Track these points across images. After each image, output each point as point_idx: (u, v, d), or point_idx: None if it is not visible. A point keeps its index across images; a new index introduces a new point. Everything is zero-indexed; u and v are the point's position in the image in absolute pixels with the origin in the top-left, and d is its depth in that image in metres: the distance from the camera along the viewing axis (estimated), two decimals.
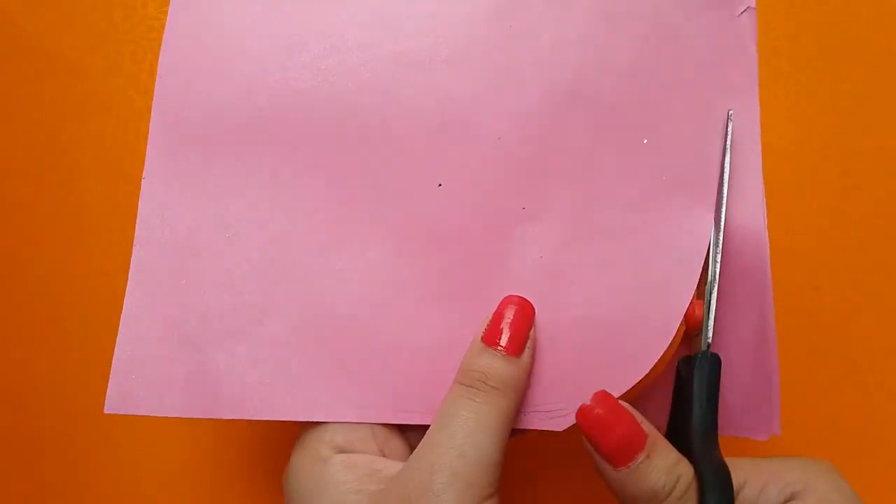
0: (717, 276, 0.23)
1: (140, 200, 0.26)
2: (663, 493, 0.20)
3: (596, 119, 0.25)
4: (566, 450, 0.35)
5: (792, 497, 0.22)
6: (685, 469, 0.21)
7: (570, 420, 0.23)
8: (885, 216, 0.35)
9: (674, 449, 0.21)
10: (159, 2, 0.39)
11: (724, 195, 0.24)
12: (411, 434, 0.25)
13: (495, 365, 0.22)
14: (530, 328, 0.23)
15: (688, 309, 0.24)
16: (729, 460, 0.22)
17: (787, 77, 0.36)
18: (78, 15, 0.39)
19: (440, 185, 0.25)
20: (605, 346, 0.24)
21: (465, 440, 0.21)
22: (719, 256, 0.24)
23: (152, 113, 0.27)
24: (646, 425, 0.21)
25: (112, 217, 0.38)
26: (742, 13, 0.26)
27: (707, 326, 0.23)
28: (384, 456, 0.24)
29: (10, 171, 0.39)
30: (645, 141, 0.25)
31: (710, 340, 0.23)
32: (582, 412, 0.22)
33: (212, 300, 0.25)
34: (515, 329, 0.23)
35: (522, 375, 0.23)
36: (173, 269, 0.26)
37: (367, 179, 0.26)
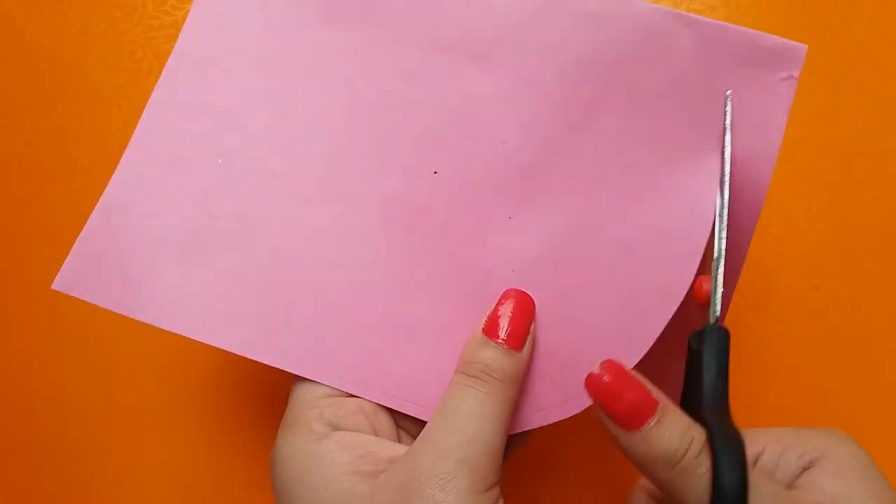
0: (724, 252, 0.23)
1: (148, 103, 0.27)
2: (678, 455, 0.20)
3: (605, 144, 0.25)
4: (567, 451, 0.35)
5: (811, 464, 0.22)
6: (697, 432, 0.21)
7: (578, 405, 0.23)
8: (886, 216, 0.35)
9: (685, 414, 0.21)
10: (159, 2, 0.39)
11: (727, 173, 0.24)
12: (397, 414, 0.25)
13: (497, 357, 0.22)
14: (530, 323, 0.24)
15: (695, 283, 0.24)
16: (748, 430, 0.22)
17: None
18: (78, 15, 0.39)
19: (436, 172, 0.25)
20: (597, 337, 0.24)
21: (471, 427, 0.21)
22: (725, 232, 0.23)
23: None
24: (655, 392, 0.21)
25: None
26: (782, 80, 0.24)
27: (715, 301, 0.23)
28: (375, 433, 0.24)
29: (10, 170, 0.39)
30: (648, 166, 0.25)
31: (718, 314, 0.23)
32: (590, 380, 0.22)
33: (187, 215, 0.26)
34: (516, 323, 0.23)
35: (522, 368, 0.23)
36: (159, 175, 0.26)
37: (369, 147, 0.26)
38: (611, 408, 0.21)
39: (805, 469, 0.22)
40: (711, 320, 0.23)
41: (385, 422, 0.24)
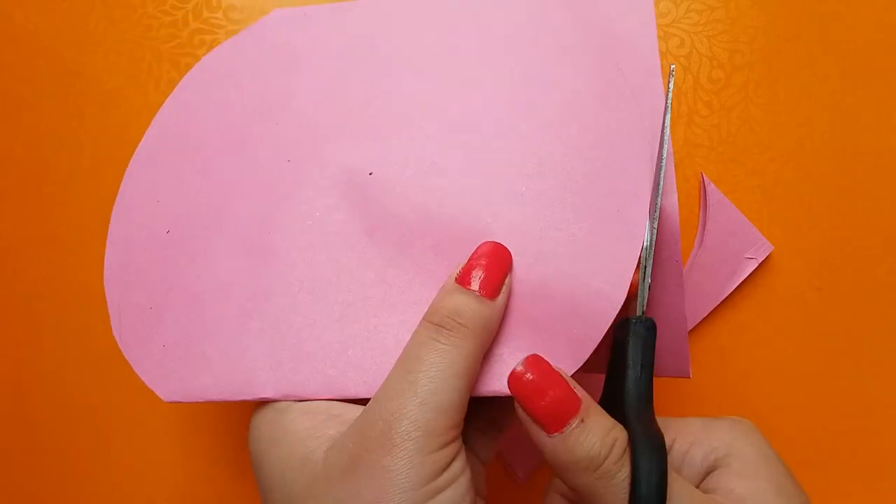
0: (653, 244, 0.23)
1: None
2: (599, 458, 0.19)
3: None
4: None
5: (716, 463, 0.22)
6: (620, 433, 0.20)
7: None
8: (886, 216, 0.34)
9: (607, 414, 0.21)
10: (158, 1, 0.39)
11: (663, 166, 0.24)
12: None
13: (468, 303, 0.21)
14: (507, 273, 0.22)
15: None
16: (659, 419, 0.22)
17: (788, 77, 0.36)
18: (78, 15, 0.39)
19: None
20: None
21: (427, 387, 0.20)
22: (655, 223, 0.23)
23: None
24: (578, 390, 0.21)
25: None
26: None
27: (643, 292, 0.23)
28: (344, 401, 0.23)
29: (10, 170, 0.39)
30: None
31: (645, 306, 0.23)
32: (514, 377, 0.21)
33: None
34: (490, 271, 0.22)
35: (495, 317, 0.22)
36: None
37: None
38: (533, 407, 0.20)
39: (711, 468, 0.22)
40: (638, 311, 0.23)
41: None
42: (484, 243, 0.23)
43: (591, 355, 0.22)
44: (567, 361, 0.22)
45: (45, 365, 0.38)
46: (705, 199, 0.35)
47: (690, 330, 0.34)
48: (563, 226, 0.23)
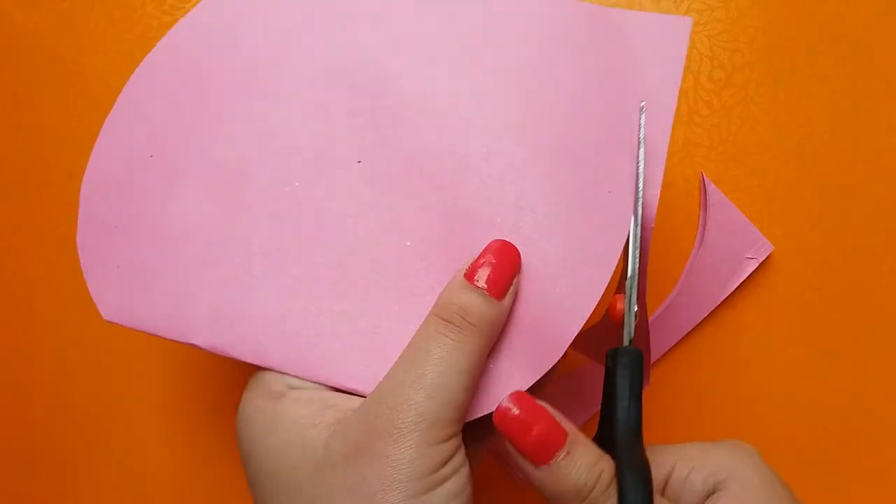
0: (637, 271, 0.23)
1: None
2: (586, 489, 0.20)
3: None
4: None
5: (715, 487, 0.22)
6: (606, 464, 0.21)
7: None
8: (886, 216, 0.34)
9: (594, 445, 0.21)
10: (158, 1, 0.39)
11: (640, 188, 0.24)
12: None
13: (476, 302, 0.21)
14: (515, 273, 0.23)
15: (610, 303, 0.24)
16: (657, 447, 0.22)
17: (788, 77, 0.36)
18: (77, 15, 0.39)
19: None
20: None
21: (434, 380, 0.20)
22: (638, 252, 0.23)
23: None
24: (564, 422, 0.21)
25: None
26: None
27: (629, 321, 0.23)
28: (337, 391, 0.23)
29: (10, 170, 0.39)
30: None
31: (632, 335, 0.23)
32: (499, 413, 0.21)
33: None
34: (499, 271, 0.22)
35: (501, 318, 0.22)
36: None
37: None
38: (521, 441, 0.21)
39: (711, 492, 0.22)
40: (625, 342, 0.23)
41: None
42: (494, 241, 0.23)
43: (591, 342, 0.22)
44: (531, 371, 0.22)
45: (44, 365, 0.38)
46: (705, 199, 0.35)
47: (690, 330, 0.34)
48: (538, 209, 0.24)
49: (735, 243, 0.34)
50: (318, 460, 0.20)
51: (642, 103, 0.24)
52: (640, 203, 0.24)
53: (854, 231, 0.35)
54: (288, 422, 0.21)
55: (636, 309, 0.23)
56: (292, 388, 0.23)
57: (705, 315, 0.34)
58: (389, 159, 0.25)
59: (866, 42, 0.36)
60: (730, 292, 0.34)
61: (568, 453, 0.20)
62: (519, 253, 0.23)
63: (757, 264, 0.34)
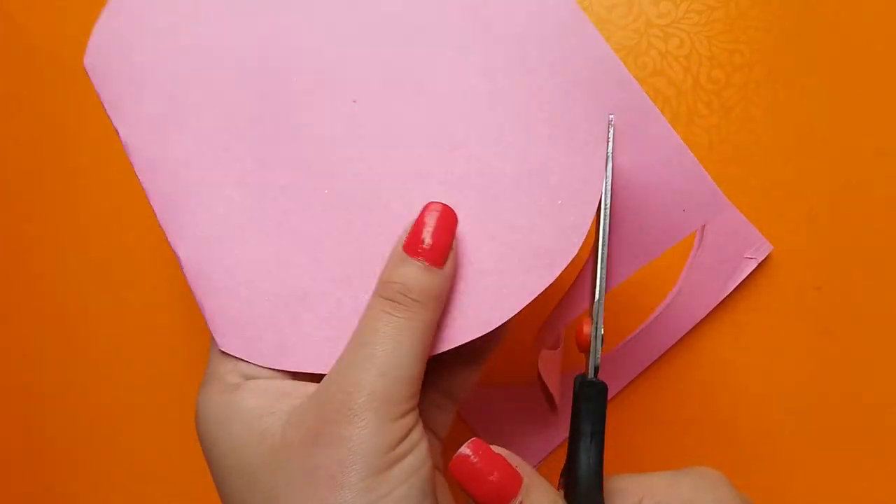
0: (604, 294, 0.23)
1: None
2: None
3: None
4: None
5: None
6: None
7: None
8: (886, 216, 0.34)
9: (551, 489, 0.21)
10: None
11: (608, 205, 0.23)
12: None
13: (417, 276, 0.21)
14: (453, 236, 0.22)
15: (577, 326, 0.23)
16: (624, 477, 0.22)
17: (787, 77, 0.36)
18: (78, 15, 0.39)
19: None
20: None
21: (385, 359, 0.20)
22: (605, 273, 0.23)
23: None
24: (521, 468, 0.21)
25: (112, 216, 0.38)
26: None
27: (595, 348, 0.22)
28: (293, 379, 0.23)
29: (10, 170, 0.39)
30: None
31: (598, 364, 0.22)
32: (457, 462, 0.21)
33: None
34: (438, 237, 0.22)
35: (445, 285, 0.22)
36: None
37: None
38: (476, 491, 0.21)
39: None
40: (590, 373, 0.22)
41: None
42: (429, 205, 0.22)
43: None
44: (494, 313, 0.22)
45: (45, 365, 0.38)
46: None
47: (690, 330, 0.34)
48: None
49: (734, 243, 0.34)
50: (276, 448, 0.20)
51: (611, 116, 0.23)
52: (607, 218, 0.23)
53: (854, 231, 0.35)
54: (244, 412, 0.21)
55: (602, 333, 0.22)
56: (248, 378, 0.23)
57: (705, 315, 0.34)
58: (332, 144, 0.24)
59: (866, 42, 0.36)
60: (729, 292, 0.34)
61: (521, 502, 0.20)
62: (455, 214, 0.22)
63: (756, 264, 0.34)
